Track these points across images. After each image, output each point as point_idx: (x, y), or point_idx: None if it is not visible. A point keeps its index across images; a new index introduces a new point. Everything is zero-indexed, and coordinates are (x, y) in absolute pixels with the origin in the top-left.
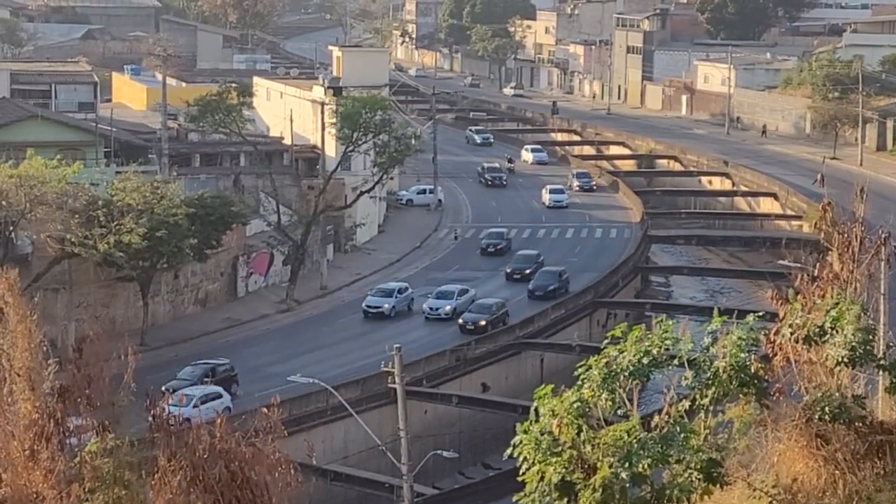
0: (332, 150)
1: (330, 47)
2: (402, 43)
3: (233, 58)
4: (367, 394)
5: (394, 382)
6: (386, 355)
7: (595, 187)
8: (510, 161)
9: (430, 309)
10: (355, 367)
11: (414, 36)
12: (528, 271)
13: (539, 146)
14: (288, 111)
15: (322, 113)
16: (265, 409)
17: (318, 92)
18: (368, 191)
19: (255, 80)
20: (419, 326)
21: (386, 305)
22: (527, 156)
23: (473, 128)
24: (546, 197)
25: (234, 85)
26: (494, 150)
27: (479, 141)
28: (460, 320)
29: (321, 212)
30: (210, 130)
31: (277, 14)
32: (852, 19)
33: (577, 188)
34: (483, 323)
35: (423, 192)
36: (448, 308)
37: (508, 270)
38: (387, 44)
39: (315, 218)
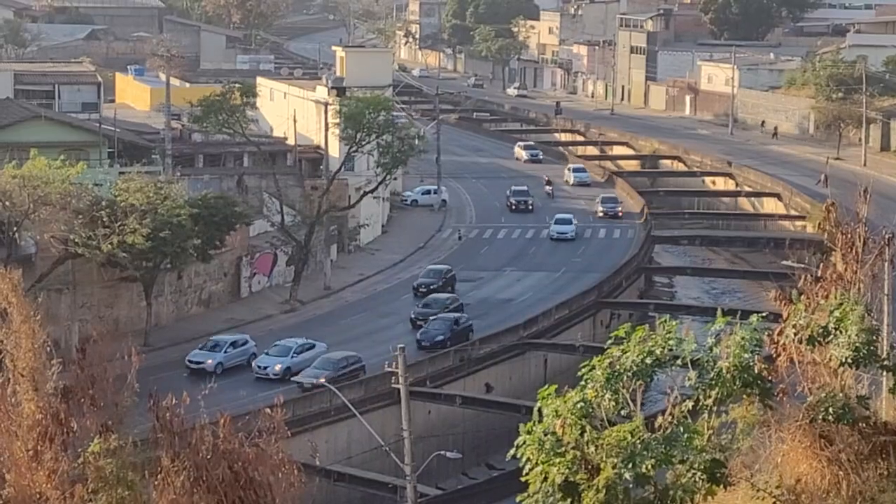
0: (335, 150)
1: (333, 48)
2: (405, 43)
3: (236, 58)
4: (371, 394)
5: (397, 383)
6: (389, 355)
7: (622, 213)
8: (548, 183)
9: (259, 367)
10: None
11: (417, 36)
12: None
13: (582, 166)
14: (291, 111)
15: (325, 113)
16: (269, 410)
17: (322, 92)
18: (372, 191)
19: (259, 80)
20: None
21: (210, 361)
22: (567, 175)
23: (521, 143)
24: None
25: (237, 85)
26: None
27: (526, 157)
28: (299, 377)
29: (325, 212)
30: (213, 131)
31: (281, 14)
32: (856, 19)
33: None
34: (321, 380)
35: (428, 192)
36: (278, 368)
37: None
38: (390, 44)
39: (318, 218)
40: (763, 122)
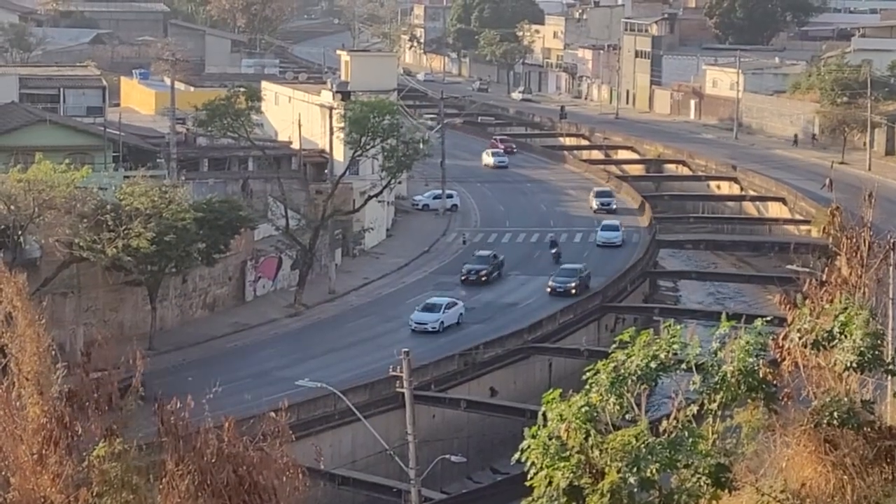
0: (340, 154)
1: (338, 52)
2: (410, 47)
3: (241, 62)
4: (376, 398)
5: (402, 387)
6: (394, 359)
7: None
8: (553, 244)
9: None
10: (364, 371)
11: (422, 40)
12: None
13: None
14: (296, 116)
15: (330, 117)
16: (273, 414)
17: (327, 96)
18: (376, 195)
19: (264, 84)
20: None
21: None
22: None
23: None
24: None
25: (242, 89)
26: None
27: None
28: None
29: (329, 216)
30: (218, 135)
31: (286, 18)
32: (861, 24)
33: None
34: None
35: (439, 196)
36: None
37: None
38: (395, 48)
39: (323, 222)
40: (796, 136)
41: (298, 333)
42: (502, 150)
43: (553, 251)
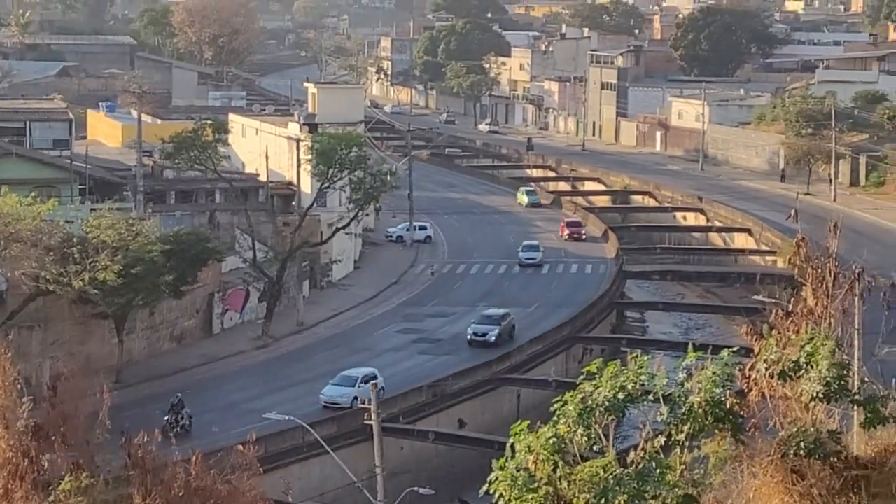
0: (307, 186)
1: (305, 84)
2: (377, 80)
3: (208, 94)
4: (344, 430)
5: (370, 419)
6: (363, 391)
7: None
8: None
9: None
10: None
11: (389, 73)
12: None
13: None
14: (263, 148)
15: (297, 149)
16: (241, 447)
17: (294, 128)
18: (344, 227)
19: (231, 116)
20: (404, 359)
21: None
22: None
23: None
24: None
25: (209, 122)
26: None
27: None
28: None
29: (297, 248)
30: (185, 167)
31: (253, 51)
32: (825, 56)
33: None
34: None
35: (414, 228)
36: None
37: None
38: (362, 80)
39: (291, 254)
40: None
41: (266, 365)
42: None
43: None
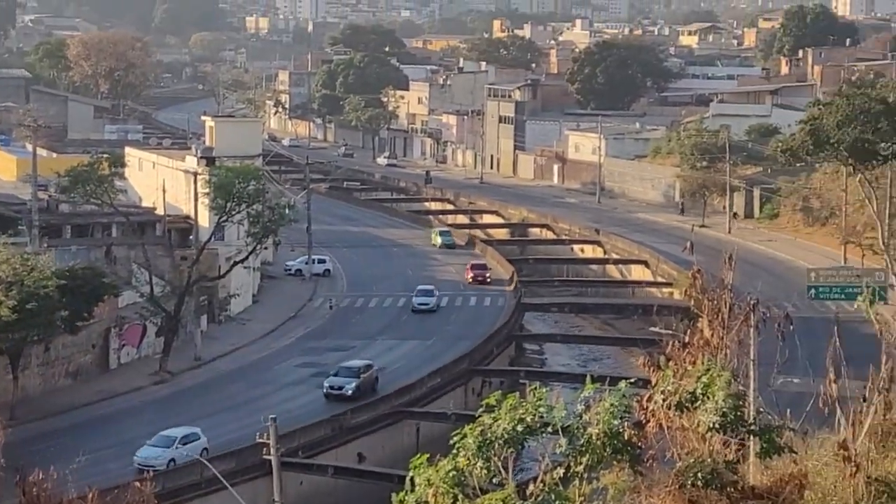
0: (205, 220)
1: (203, 117)
2: (275, 113)
3: (104, 128)
4: (243, 465)
5: (269, 454)
6: (261, 426)
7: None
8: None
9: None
10: (231, 438)
11: (287, 106)
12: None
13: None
14: (160, 181)
15: (195, 183)
16: (138, 483)
17: (191, 162)
18: (242, 261)
19: (127, 150)
20: (303, 393)
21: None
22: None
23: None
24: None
25: (105, 155)
26: None
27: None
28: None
29: (194, 282)
30: (81, 201)
31: (149, 84)
32: (719, 90)
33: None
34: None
35: (313, 261)
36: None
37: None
38: (260, 114)
39: (188, 289)
40: (682, 203)
41: (164, 401)
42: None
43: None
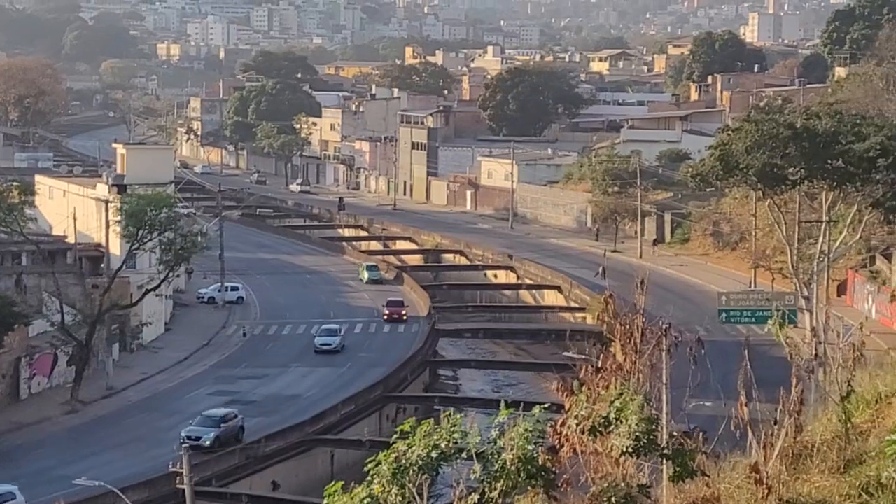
0: (116, 248)
1: (114, 145)
2: (187, 140)
3: (14, 156)
4: (156, 495)
5: (182, 483)
6: (175, 455)
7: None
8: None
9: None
10: (144, 467)
11: (199, 133)
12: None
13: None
14: (71, 209)
15: (106, 211)
16: None
17: (102, 190)
18: (154, 289)
19: (38, 178)
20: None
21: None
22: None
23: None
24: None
25: (15, 183)
26: None
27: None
28: None
29: (106, 311)
30: None
31: (60, 112)
32: (629, 116)
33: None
34: None
35: (227, 289)
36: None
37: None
38: (171, 141)
39: (100, 317)
40: (597, 228)
41: (76, 430)
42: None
43: None
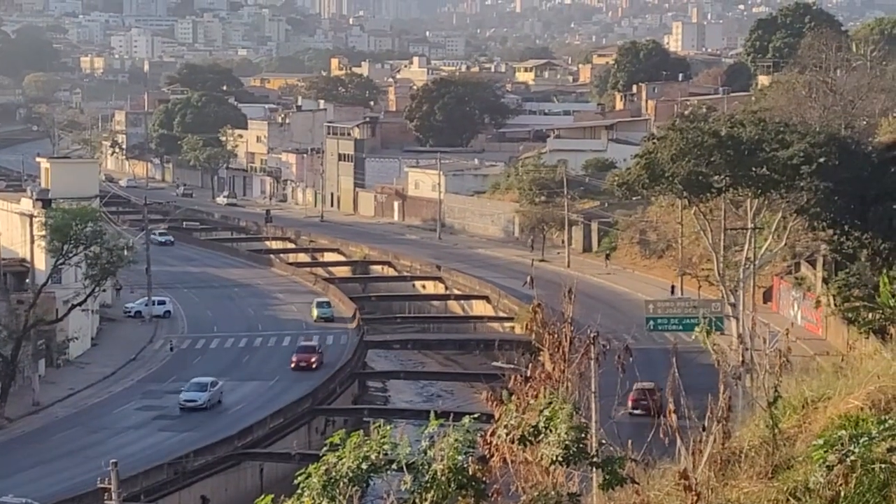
0: (41, 263)
1: (38, 159)
2: (112, 153)
3: None
4: None
5: (110, 499)
6: (103, 471)
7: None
8: None
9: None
10: (72, 483)
11: (124, 146)
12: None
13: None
14: None
15: (31, 225)
16: None
17: (26, 204)
18: (80, 304)
19: None
20: (144, 436)
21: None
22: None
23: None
24: None
25: None
26: None
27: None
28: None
29: (31, 326)
30: None
31: None
32: (555, 125)
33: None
34: None
35: (153, 303)
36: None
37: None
38: (96, 154)
39: (25, 333)
40: (532, 240)
41: (2, 447)
42: None
43: None
